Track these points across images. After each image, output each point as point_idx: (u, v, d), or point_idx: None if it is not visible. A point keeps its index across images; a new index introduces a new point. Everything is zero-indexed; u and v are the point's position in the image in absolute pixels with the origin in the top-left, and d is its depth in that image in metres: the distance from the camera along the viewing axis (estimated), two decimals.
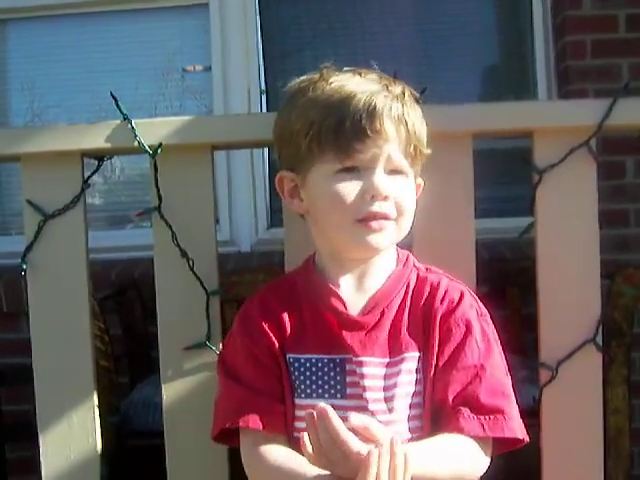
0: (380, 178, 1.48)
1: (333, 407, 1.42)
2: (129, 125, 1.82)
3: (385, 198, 1.48)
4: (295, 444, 1.49)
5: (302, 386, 1.53)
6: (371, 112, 1.46)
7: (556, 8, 3.82)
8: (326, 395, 1.51)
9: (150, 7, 4.16)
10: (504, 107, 1.97)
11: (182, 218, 1.86)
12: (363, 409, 1.48)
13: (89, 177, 1.89)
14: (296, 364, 1.54)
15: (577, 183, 1.86)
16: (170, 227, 1.85)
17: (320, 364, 1.53)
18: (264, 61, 4.04)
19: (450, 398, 1.47)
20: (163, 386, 1.87)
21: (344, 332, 1.52)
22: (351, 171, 1.48)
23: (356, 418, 1.30)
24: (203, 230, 1.88)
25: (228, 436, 1.58)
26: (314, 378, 1.53)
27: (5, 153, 1.89)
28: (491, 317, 1.60)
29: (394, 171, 1.50)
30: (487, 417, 1.47)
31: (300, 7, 4.12)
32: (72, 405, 1.88)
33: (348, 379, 1.52)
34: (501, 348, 1.58)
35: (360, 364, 1.51)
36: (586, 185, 1.86)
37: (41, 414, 1.89)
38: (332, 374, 1.52)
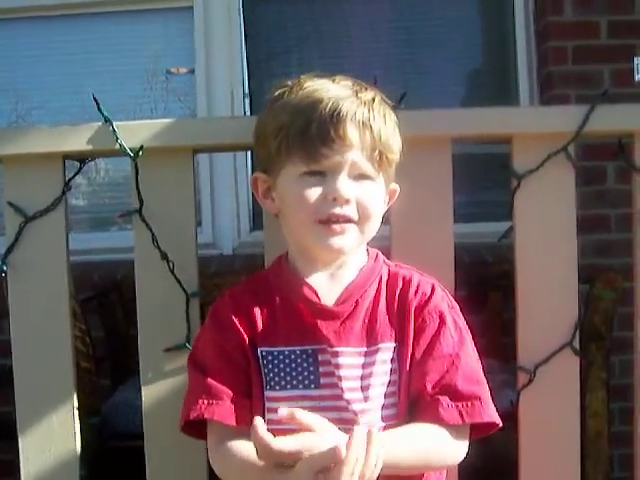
0: (342, 182, 1.50)
1: (308, 397, 1.49)
2: (111, 127, 1.83)
3: (347, 201, 1.50)
4: None
5: (276, 378, 1.55)
6: (335, 117, 1.48)
7: (538, 14, 3.84)
8: (300, 386, 1.54)
9: (135, 9, 4.17)
10: (483, 112, 1.98)
11: (163, 220, 1.86)
12: (338, 398, 1.51)
13: (70, 179, 1.89)
14: (269, 357, 1.56)
15: (555, 189, 1.88)
16: (150, 229, 1.85)
17: (293, 356, 1.55)
18: (248, 64, 4.06)
19: (429, 387, 1.51)
20: (143, 387, 1.88)
21: (319, 322, 1.55)
22: (317, 175, 1.51)
23: (282, 410, 1.35)
24: (184, 232, 1.88)
25: (196, 428, 1.59)
26: (288, 370, 1.55)
27: None
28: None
29: (360, 176, 1.52)
30: (465, 404, 1.51)
31: (284, 10, 4.13)
32: (52, 406, 1.88)
33: (321, 369, 1.54)
34: (471, 338, 1.61)
35: (336, 354, 1.53)
36: (564, 191, 1.88)
37: (21, 415, 1.89)
38: (305, 365, 1.54)
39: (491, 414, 1.54)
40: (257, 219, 3.92)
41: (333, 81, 1.57)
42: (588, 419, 2.53)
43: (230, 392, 1.54)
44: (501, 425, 1.56)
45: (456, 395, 1.51)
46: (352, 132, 1.49)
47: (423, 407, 1.51)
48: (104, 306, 3.44)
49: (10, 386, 1.90)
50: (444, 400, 1.50)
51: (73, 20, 4.17)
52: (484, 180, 3.88)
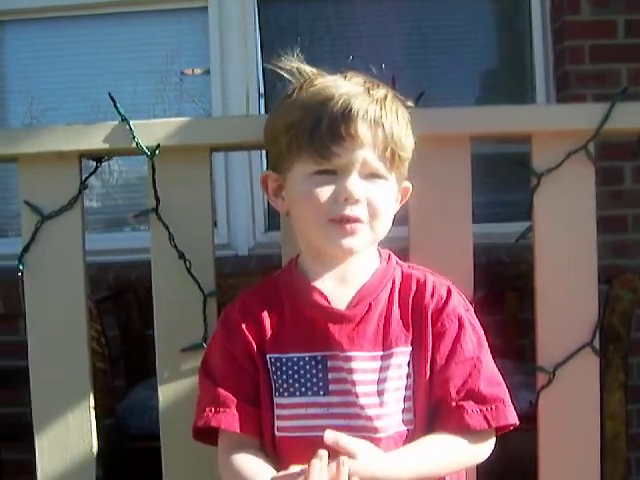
0: (353, 181, 1.48)
1: (316, 404, 1.48)
2: (127, 126, 1.82)
3: (357, 202, 1.48)
4: (276, 444, 1.53)
5: (285, 385, 1.54)
6: (347, 115, 1.46)
7: (555, 13, 3.83)
8: (309, 392, 1.52)
9: (149, 10, 4.17)
10: (503, 110, 1.97)
11: (179, 219, 1.86)
12: (349, 405, 1.50)
13: (87, 178, 1.89)
14: (278, 364, 1.55)
15: (575, 187, 1.86)
16: (167, 228, 1.85)
17: (302, 362, 1.54)
18: (262, 64, 4.04)
19: (453, 392, 1.49)
20: (159, 387, 1.87)
21: (331, 327, 1.53)
22: (327, 173, 1.49)
23: (328, 435, 1.38)
24: (200, 231, 1.88)
25: (207, 435, 1.59)
26: (296, 377, 1.53)
27: (3, 154, 1.89)
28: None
29: (372, 175, 1.51)
30: (489, 407, 1.50)
31: (299, 10, 4.13)
32: (68, 407, 1.88)
33: (331, 375, 1.52)
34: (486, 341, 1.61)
35: (349, 359, 1.51)
36: (584, 189, 1.86)
37: (37, 416, 1.89)
38: (314, 371, 1.53)
39: (513, 415, 1.53)
40: (272, 219, 3.92)
41: (345, 78, 1.56)
42: (606, 420, 2.51)
43: (236, 400, 1.54)
44: (518, 424, 1.55)
45: (480, 399, 1.50)
46: (363, 130, 1.47)
47: (447, 414, 1.50)
48: (119, 307, 3.44)
49: (25, 387, 1.90)
50: (468, 406, 1.49)
51: (86, 21, 4.17)
52: (499, 181, 3.88)
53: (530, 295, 1.91)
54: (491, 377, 1.54)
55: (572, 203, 1.87)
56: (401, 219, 1.82)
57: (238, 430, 1.52)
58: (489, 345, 1.59)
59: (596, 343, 1.87)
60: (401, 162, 1.54)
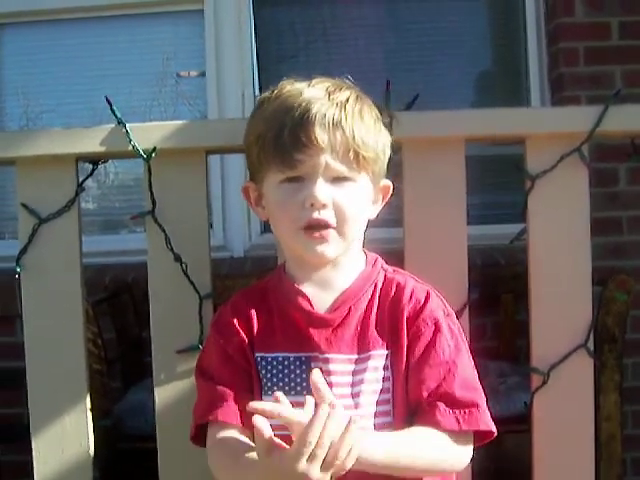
0: (318, 186, 1.49)
1: (298, 404, 1.43)
2: (124, 129, 1.83)
3: (323, 206, 1.49)
4: None
5: (269, 384, 1.56)
6: (305, 122, 1.47)
7: (549, 15, 3.83)
8: (292, 392, 1.53)
9: (145, 12, 4.17)
10: (497, 113, 1.98)
11: (175, 222, 1.87)
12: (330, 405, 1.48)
13: (83, 181, 1.90)
14: (263, 362, 1.57)
15: (569, 189, 1.87)
16: (164, 231, 1.86)
17: (287, 362, 1.56)
18: (258, 66, 4.05)
19: (425, 395, 1.50)
20: (155, 389, 1.88)
21: (311, 330, 1.55)
22: (295, 181, 1.51)
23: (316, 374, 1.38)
24: (196, 234, 1.89)
25: (205, 439, 1.59)
26: (280, 376, 1.55)
27: (1, 157, 1.90)
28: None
29: (337, 178, 1.51)
30: (462, 411, 1.50)
31: (294, 13, 4.13)
32: (65, 408, 1.89)
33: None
34: (467, 347, 1.60)
35: (326, 361, 1.53)
36: (578, 191, 1.87)
37: (34, 417, 1.90)
38: (298, 372, 1.55)
39: (488, 422, 1.53)
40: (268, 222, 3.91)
41: (309, 85, 1.56)
42: (601, 422, 2.52)
43: (233, 393, 1.55)
44: (496, 434, 1.54)
45: (453, 402, 1.50)
46: (321, 134, 1.47)
47: (420, 413, 1.50)
48: (115, 308, 3.44)
49: (22, 388, 1.91)
50: (441, 405, 1.49)
51: (82, 23, 4.17)
52: (494, 182, 3.88)
53: (526, 296, 1.92)
54: (467, 382, 1.54)
55: (566, 205, 1.88)
56: (396, 221, 1.83)
57: (238, 422, 1.53)
58: (473, 350, 1.60)
59: (590, 344, 1.88)
60: (368, 162, 1.53)
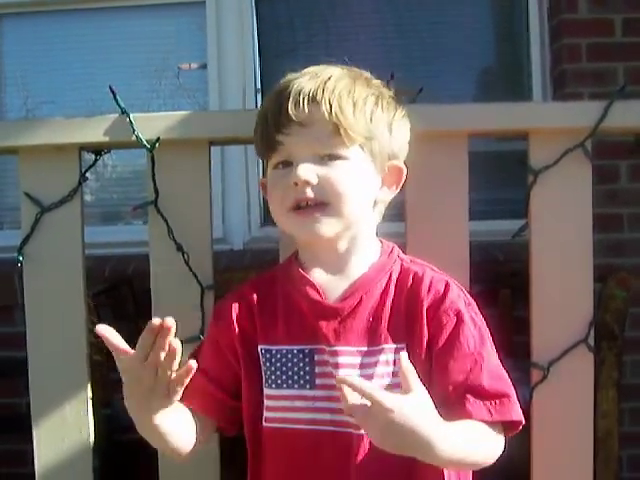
0: (300, 165, 1.47)
1: (302, 397, 1.46)
2: (127, 119, 1.83)
3: (307, 183, 1.47)
4: (262, 434, 1.53)
5: (272, 376, 1.53)
6: (285, 100, 1.47)
7: (552, 11, 3.83)
8: (295, 385, 1.51)
9: (146, 4, 4.17)
10: (500, 107, 1.98)
11: (178, 212, 1.87)
12: (335, 399, 1.45)
13: (86, 170, 1.90)
14: (267, 355, 1.55)
15: (572, 185, 1.87)
16: (166, 221, 1.86)
17: (290, 355, 1.53)
18: (260, 60, 4.05)
19: (450, 389, 1.44)
20: None
21: (321, 321, 1.52)
22: (285, 165, 1.50)
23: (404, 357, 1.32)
24: (198, 225, 1.89)
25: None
26: (284, 369, 1.52)
27: (4, 146, 1.90)
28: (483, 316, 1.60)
29: (327, 156, 1.49)
30: (493, 402, 1.44)
31: (296, 6, 4.12)
32: (66, 398, 1.89)
33: (317, 369, 1.51)
34: (490, 336, 1.56)
35: (334, 353, 1.50)
36: (581, 187, 1.87)
37: (35, 406, 1.90)
38: (301, 365, 1.52)
39: (519, 412, 1.48)
40: (268, 214, 3.90)
41: (308, 71, 1.55)
42: (598, 419, 2.52)
43: (214, 387, 1.57)
44: (524, 424, 1.51)
45: (483, 394, 1.44)
46: (293, 110, 1.46)
47: (449, 408, 1.41)
48: (115, 299, 3.44)
49: (22, 377, 1.91)
50: (470, 397, 1.43)
51: (83, 15, 4.17)
52: (495, 178, 3.88)
53: (524, 293, 1.92)
54: (495, 372, 1.49)
55: (569, 201, 1.87)
56: (398, 215, 1.83)
57: (197, 408, 1.54)
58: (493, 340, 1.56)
59: (590, 340, 1.88)
60: (356, 138, 1.49)
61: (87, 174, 1.91)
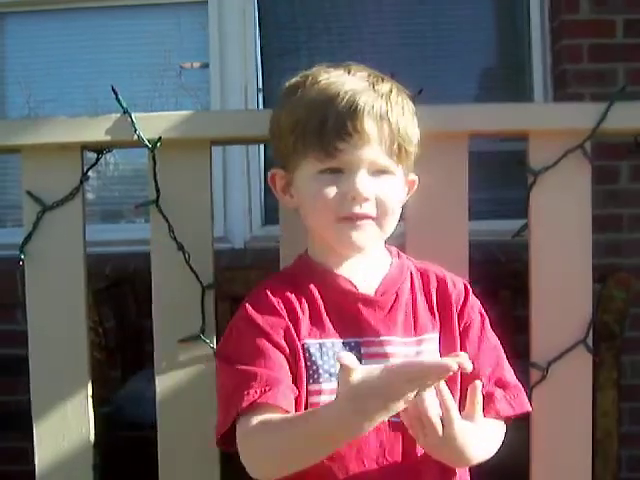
0: (361, 179, 1.47)
1: None
2: (129, 118, 1.83)
3: (365, 199, 1.48)
4: None
5: (320, 371, 1.50)
6: (352, 112, 1.46)
7: (553, 12, 3.84)
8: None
9: (148, 3, 4.17)
10: (501, 108, 1.98)
11: (179, 211, 1.87)
12: None
13: (88, 169, 1.90)
14: (311, 350, 1.50)
15: (571, 185, 1.88)
16: (167, 220, 1.86)
17: (336, 348, 1.50)
18: (262, 59, 4.06)
19: (484, 381, 1.51)
20: (157, 378, 1.88)
21: (364, 312, 1.52)
22: (334, 172, 1.49)
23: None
24: (200, 224, 1.89)
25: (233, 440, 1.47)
26: (331, 362, 1.49)
27: (6, 144, 1.90)
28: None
29: (380, 171, 1.50)
30: (512, 395, 1.54)
31: (298, 5, 4.13)
32: (67, 395, 1.89)
33: (364, 362, 1.46)
34: None
35: (383, 344, 1.50)
36: (580, 187, 1.88)
37: (36, 403, 1.90)
38: None
39: (527, 402, 1.58)
40: (269, 213, 3.92)
41: (348, 72, 1.54)
42: (598, 419, 2.52)
43: (281, 379, 1.45)
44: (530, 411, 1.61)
45: (505, 386, 1.55)
46: (370, 126, 1.46)
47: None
48: (116, 298, 3.45)
49: (22, 375, 1.91)
50: (498, 393, 1.53)
51: (85, 13, 4.17)
52: (495, 178, 3.88)
53: (524, 293, 1.92)
54: (509, 366, 1.60)
55: (568, 201, 1.88)
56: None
57: (291, 409, 1.43)
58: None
59: (589, 341, 1.88)
60: (407, 155, 1.53)
61: (89, 173, 1.92)
